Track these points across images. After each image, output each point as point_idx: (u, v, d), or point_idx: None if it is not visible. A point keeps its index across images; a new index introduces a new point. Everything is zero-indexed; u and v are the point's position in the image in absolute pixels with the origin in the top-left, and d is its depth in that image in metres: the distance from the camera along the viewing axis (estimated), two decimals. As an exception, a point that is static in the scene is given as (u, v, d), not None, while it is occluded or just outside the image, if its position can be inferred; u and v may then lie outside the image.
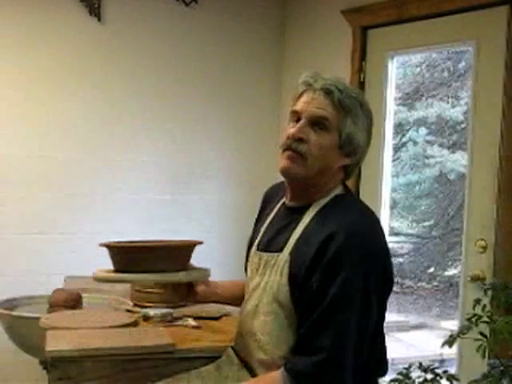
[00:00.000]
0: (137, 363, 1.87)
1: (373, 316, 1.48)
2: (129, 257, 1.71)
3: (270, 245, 1.64)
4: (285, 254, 1.56)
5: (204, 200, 3.87)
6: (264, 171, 3.85)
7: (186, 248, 1.84)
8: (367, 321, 1.47)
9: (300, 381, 1.44)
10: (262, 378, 1.53)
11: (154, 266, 1.68)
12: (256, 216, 1.88)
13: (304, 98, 1.58)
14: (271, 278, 1.57)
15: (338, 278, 1.42)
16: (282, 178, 1.71)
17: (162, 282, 1.82)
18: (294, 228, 1.58)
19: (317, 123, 1.55)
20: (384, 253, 1.52)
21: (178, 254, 1.79)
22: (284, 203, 1.71)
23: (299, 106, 1.58)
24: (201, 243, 1.86)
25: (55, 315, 2.29)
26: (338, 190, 1.62)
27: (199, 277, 1.84)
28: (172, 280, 1.78)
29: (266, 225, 1.73)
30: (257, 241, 1.72)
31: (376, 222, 1.59)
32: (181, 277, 1.75)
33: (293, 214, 1.62)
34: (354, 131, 1.57)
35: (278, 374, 1.47)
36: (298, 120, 1.58)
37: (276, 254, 1.58)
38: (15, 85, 3.40)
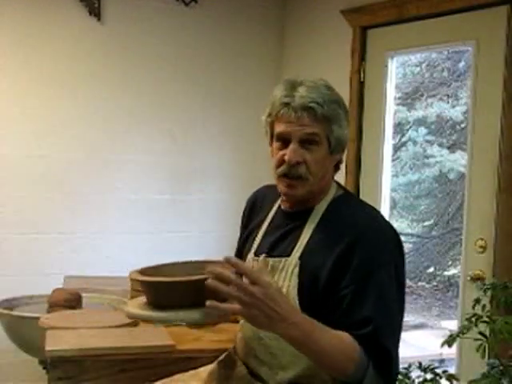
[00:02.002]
0: (137, 363, 1.87)
1: (403, 303, 1.59)
2: (166, 292, 1.48)
3: (274, 250, 1.63)
4: (294, 258, 1.56)
5: (204, 200, 3.87)
6: (264, 171, 3.85)
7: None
8: (402, 313, 1.58)
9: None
10: (341, 339, 1.42)
11: (194, 300, 1.46)
12: (242, 224, 1.86)
13: (286, 119, 1.55)
14: (279, 282, 1.56)
15: (375, 277, 1.47)
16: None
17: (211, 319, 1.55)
18: (300, 233, 1.59)
19: (307, 140, 1.55)
20: (399, 238, 1.60)
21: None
22: (280, 208, 1.70)
23: (283, 128, 1.56)
24: None
25: (55, 315, 2.29)
26: (334, 188, 1.66)
27: None
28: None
29: (262, 231, 1.71)
30: (254, 248, 1.70)
31: (379, 213, 1.67)
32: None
33: (295, 220, 1.63)
34: (341, 133, 1.58)
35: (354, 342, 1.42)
36: (284, 141, 1.57)
37: (284, 258, 1.58)
38: (15, 84, 3.40)
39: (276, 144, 1.60)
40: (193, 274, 1.55)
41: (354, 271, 1.47)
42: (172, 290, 1.45)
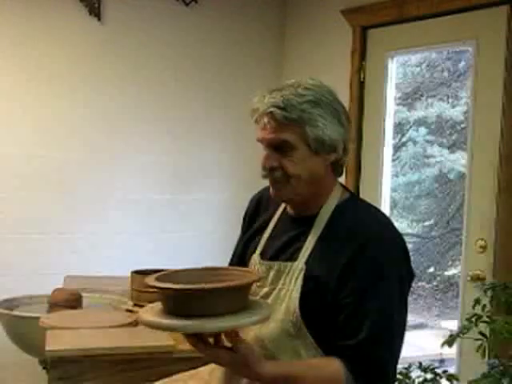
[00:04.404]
0: (137, 363, 1.88)
1: (406, 315, 1.58)
2: (185, 299, 1.35)
3: (280, 255, 1.62)
4: (300, 262, 1.54)
5: (204, 200, 3.87)
6: (264, 171, 3.85)
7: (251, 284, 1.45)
8: (404, 325, 1.58)
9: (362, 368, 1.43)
10: (322, 365, 1.47)
11: (213, 309, 1.33)
12: (244, 222, 1.84)
13: (260, 125, 1.55)
14: (285, 286, 1.56)
15: (380, 287, 1.46)
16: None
17: (237, 327, 1.40)
18: (305, 238, 1.57)
19: (279, 147, 1.53)
20: (406, 248, 1.57)
21: (244, 291, 1.42)
22: (286, 212, 1.69)
23: (258, 134, 1.57)
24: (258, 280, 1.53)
25: (55, 315, 2.29)
26: (338, 192, 1.62)
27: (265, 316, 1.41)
28: (245, 325, 1.41)
29: (268, 233, 1.70)
30: (259, 250, 1.69)
31: (387, 219, 1.62)
32: (253, 320, 1.37)
33: (300, 225, 1.61)
34: (321, 133, 1.50)
35: (339, 367, 1.43)
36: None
37: (289, 262, 1.57)
38: (15, 84, 3.40)
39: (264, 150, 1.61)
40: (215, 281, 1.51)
41: (358, 281, 1.46)
42: (210, 298, 1.36)
